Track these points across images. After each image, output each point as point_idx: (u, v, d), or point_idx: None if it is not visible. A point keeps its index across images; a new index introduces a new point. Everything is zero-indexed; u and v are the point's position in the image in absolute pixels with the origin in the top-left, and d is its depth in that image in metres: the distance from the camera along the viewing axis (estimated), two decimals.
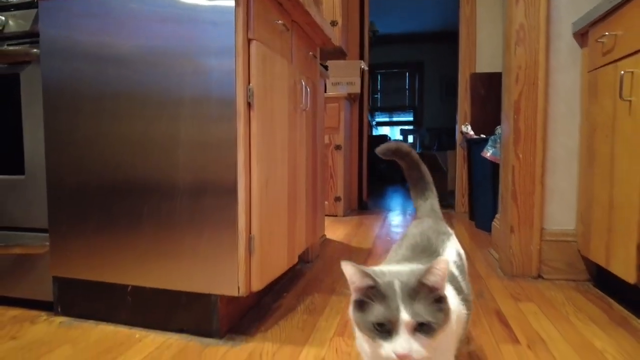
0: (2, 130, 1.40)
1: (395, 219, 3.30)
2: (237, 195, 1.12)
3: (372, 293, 0.58)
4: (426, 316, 0.55)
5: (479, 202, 2.87)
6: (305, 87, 1.61)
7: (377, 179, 5.98)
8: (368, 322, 0.57)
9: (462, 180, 3.57)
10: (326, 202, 3.23)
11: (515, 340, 1.16)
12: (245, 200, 1.13)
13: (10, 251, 1.38)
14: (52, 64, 1.26)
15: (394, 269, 0.61)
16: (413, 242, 0.80)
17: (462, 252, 0.86)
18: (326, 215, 3.21)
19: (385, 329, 0.56)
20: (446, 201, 4.15)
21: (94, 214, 1.25)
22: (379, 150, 0.96)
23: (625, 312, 1.36)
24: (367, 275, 0.58)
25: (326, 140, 3.24)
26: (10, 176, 1.38)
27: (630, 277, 1.25)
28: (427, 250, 0.77)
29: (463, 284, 0.74)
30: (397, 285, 0.57)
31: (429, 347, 0.55)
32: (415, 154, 0.97)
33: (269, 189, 1.24)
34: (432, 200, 0.99)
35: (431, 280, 0.57)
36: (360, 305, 0.59)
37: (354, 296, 0.61)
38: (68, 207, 1.27)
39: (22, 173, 1.36)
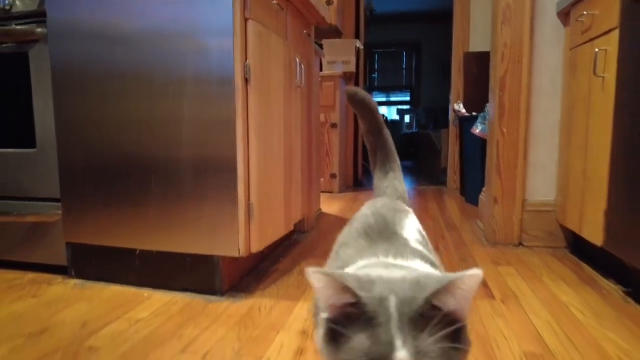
0: (14, 106, 1.48)
1: None
2: (236, 167, 1.22)
3: (353, 314, 0.39)
4: (436, 357, 0.37)
5: (468, 177, 2.98)
6: (300, 65, 1.69)
7: None
8: None
9: (454, 158, 3.68)
10: (322, 179, 3.34)
11: (491, 296, 1.28)
12: (244, 171, 1.24)
13: (24, 219, 1.48)
14: (59, 45, 1.34)
15: (386, 276, 0.42)
16: (365, 225, 0.62)
17: (422, 230, 0.68)
18: (322, 192, 3.32)
19: None
20: (439, 179, 4.26)
21: (103, 185, 1.35)
22: (349, 90, 0.80)
23: (594, 273, 1.49)
24: (346, 289, 0.39)
25: (322, 119, 3.32)
26: (22, 149, 1.47)
27: (598, 240, 1.36)
28: (385, 232, 0.60)
29: (433, 258, 0.60)
30: (392, 304, 0.39)
31: None
32: (379, 115, 0.80)
33: (266, 161, 1.34)
34: (394, 175, 0.79)
35: (449, 304, 0.39)
36: (334, 332, 0.40)
37: (325, 315, 0.42)
38: (79, 180, 1.37)
39: (34, 147, 1.46)
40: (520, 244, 1.85)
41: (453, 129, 3.66)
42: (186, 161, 1.26)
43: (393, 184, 0.77)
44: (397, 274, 0.43)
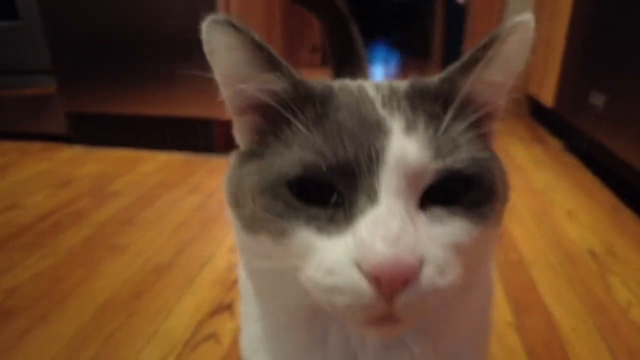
0: None
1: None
2: None
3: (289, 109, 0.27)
4: (464, 145, 0.26)
5: (450, 48, 3.13)
6: None
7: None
8: (273, 178, 0.26)
9: (440, 29, 3.75)
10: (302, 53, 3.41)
11: None
12: None
13: (21, 92, 1.64)
14: None
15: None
16: None
17: None
18: (303, 69, 3.42)
19: (325, 197, 0.25)
20: (428, 52, 4.36)
21: (96, 56, 1.50)
22: None
23: (545, 133, 1.77)
24: (277, 64, 0.27)
25: None
26: (5, 21, 1.57)
27: (549, 102, 1.62)
28: None
29: None
30: (371, 88, 0.28)
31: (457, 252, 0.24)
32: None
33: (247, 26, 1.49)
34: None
35: (489, 73, 0.27)
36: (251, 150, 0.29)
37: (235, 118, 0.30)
38: (71, 51, 1.52)
39: (16, 18, 1.55)
40: None
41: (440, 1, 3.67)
42: (174, 31, 1.40)
43: None
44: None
